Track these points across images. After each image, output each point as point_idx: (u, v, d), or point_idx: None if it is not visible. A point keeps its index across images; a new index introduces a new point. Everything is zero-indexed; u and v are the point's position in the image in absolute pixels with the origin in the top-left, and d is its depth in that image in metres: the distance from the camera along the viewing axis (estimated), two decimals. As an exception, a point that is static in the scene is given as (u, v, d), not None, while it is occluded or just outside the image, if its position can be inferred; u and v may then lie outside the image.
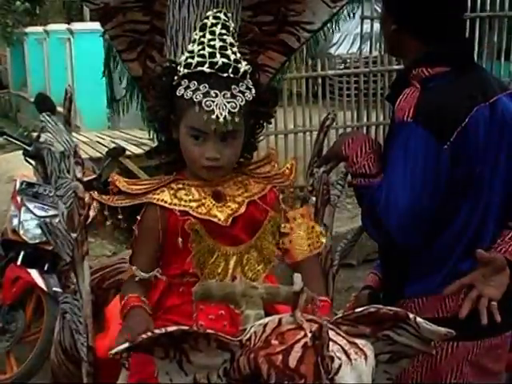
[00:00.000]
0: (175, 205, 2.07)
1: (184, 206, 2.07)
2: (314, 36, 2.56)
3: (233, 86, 2.01)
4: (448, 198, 2.19)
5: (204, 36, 2.06)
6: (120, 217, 2.12)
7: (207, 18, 2.10)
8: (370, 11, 8.72)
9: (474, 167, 2.20)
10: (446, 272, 2.26)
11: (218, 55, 2.02)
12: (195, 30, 2.15)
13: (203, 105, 1.96)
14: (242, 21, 2.43)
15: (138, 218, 2.12)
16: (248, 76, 2.06)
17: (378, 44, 9.32)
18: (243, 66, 2.05)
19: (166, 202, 2.08)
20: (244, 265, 2.13)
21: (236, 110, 1.99)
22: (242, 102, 2.01)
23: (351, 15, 2.68)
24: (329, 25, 2.58)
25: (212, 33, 2.06)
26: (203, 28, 2.08)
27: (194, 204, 2.08)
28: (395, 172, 2.18)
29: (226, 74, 2.01)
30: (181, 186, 2.12)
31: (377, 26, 9.26)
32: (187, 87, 2.00)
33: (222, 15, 2.10)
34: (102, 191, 4.83)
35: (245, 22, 2.44)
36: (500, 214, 2.29)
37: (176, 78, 2.05)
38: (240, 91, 2.02)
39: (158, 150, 2.23)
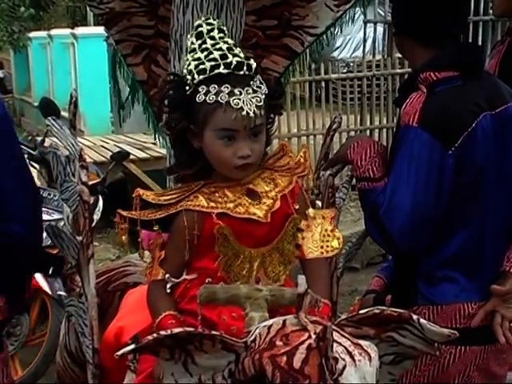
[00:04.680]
0: (212, 208, 2.07)
1: (222, 207, 2.07)
2: (318, 40, 2.56)
3: (251, 82, 2.03)
4: (454, 203, 2.19)
5: (205, 42, 2.08)
6: (156, 228, 2.10)
7: (200, 25, 2.12)
8: (372, 15, 8.74)
9: (481, 174, 2.20)
10: (464, 281, 2.26)
11: (229, 56, 2.04)
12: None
13: (231, 104, 1.97)
14: (245, 25, 2.44)
15: (173, 225, 2.10)
16: (258, 75, 2.08)
17: (381, 48, 9.34)
18: (254, 63, 2.07)
19: (203, 206, 2.07)
20: (267, 266, 2.13)
21: (261, 103, 2.02)
22: (262, 95, 2.03)
23: (354, 19, 2.68)
24: (332, 29, 2.59)
25: (212, 38, 2.08)
26: (200, 36, 2.10)
27: (231, 205, 2.08)
28: (399, 176, 2.18)
29: (242, 72, 2.03)
30: (213, 189, 2.11)
31: (380, 29, 9.31)
32: (207, 92, 2.00)
33: (213, 21, 2.13)
34: (105, 195, 4.86)
35: (249, 27, 2.45)
36: (507, 225, 2.31)
37: (188, 87, 2.05)
38: (257, 86, 2.04)
39: (179, 164, 2.19)
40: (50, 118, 2.62)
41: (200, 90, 2.01)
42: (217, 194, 2.10)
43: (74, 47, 13.03)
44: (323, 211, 2.28)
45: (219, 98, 1.98)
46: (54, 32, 15.30)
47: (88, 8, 13.18)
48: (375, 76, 8.19)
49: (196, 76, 2.03)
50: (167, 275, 2.10)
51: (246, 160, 2.04)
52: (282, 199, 2.13)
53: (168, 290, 2.11)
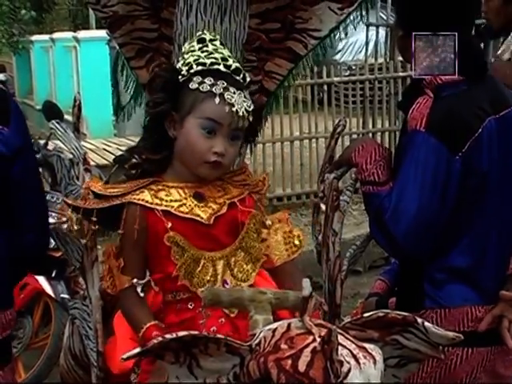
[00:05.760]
0: (156, 204, 2.08)
1: (165, 205, 2.08)
2: (321, 43, 2.56)
3: (244, 90, 2.09)
4: (459, 207, 2.20)
5: (206, 46, 2.12)
6: (94, 219, 2.12)
7: (203, 34, 2.18)
8: (375, 18, 8.76)
9: (486, 178, 2.21)
10: (471, 284, 2.26)
11: (229, 60, 2.11)
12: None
13: (225, 97, 2.02)
14: (249, 28, 2.44)
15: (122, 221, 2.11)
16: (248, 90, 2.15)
17: (383, 51, 9.36)
18: (248, 77, 2.15)
19: (147, 201, 2.08)
20: (232, 267, 2.13)
21: (250, 109, 2.08)
22: (250, 105, 2.09)
23: (357, 22, 2.68)
24: (335, 32, 2.58)
25: (214, 45, 2.13)
26: (202, 41, 2.14)
27: (175, 204, 2.09)
28: (406, 181, 2.18)
29: (238, 78, 2.09)
30: (161, 187, 2.12)
31: (382, 33, 9.33)
32: (202, 82, 2.04)
33: (215, 35, 2.20)
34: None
35: (252, 30, 2.45)
36: None
37: (181, 76, 2.09)
38: (248, 97, 2.10)
39: (146, 146, 2.19)
40: (53, 121, 2.62)
41: (195, 79, 2.06)
42: (163, 192, 2.11)
43: (77, 50, 13.05)
44: (277, 215, 2.30)
45: (213, 89, 2.03)
46: (56, 35, 15.33)
47: (90, 11, 13.21)
48: (377, 79, 8.20)
49: (194, 66, 2.07)
50: (134, 280, 2.10)
51: (219, 158, 2.07)
52: (230, 207, 2.13)
53: (141, 294, 2.11)
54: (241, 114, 2.04)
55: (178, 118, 2.09)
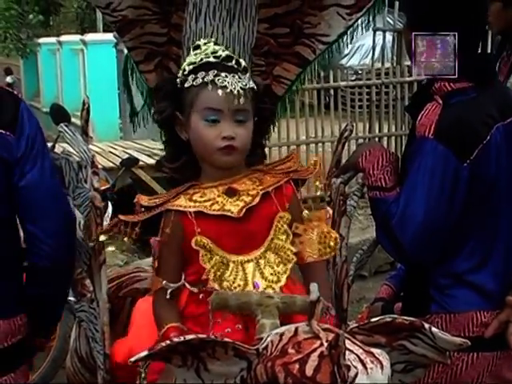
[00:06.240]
0: (189, 207, 2.10)
1: (198, 206, 2.10)
2: (329, 48, 2.56)
3: (239, 73, 2.12)
4: (466, 215, 2.20)
5: (200, 49, 2.18)
6: (137, 229, 2.14)
7: (198, 41, 2.23)
8: (382, 23, 8.75)
9: (494, 185, 2.21)
10: (477, 289, 2.26)
11: (220, 51, 2.15)
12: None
13: (216, 82, 2.06)
14: (258, 33, 2.45)
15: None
16: (248, 74, 2.17)
17: (389, 55, 9.36)
18: (244, 63, 2.18)
19: (181, 206, 2.11)
20: (263, 269, 2.12)
21: (247, 87, 2.10)
22: (249, 83, 2.12)
23: (364, 27, 2.68)
24: (343, 37, 2.58)
25: (207, 46, 2.18)
26: (196, 47, 2.20)
27: (207, 204, 2.11)
28: (413, 187, 2.19)
29: (230, 64, 2.12)
30: (197, 190, 2.15)
31: (389, 37, 9.33)
32: (195, 78, 2.10)
33: (210, 40, 2.24)
34: (114, 201, 4.86)
35: (261, 34, 2.45)
36: None
37: (178, 83, 2.15)
38: (245, 77, 2.13)
39: (166, 157, 2.27)
40: (62, 124, 2.63)
41: (189, 78, 2.11)
42: (198, 195, 2.13)
43: (84, 53, 13.10)
44: (318, 212, 2.28)
45: (205, 79, 2.07)
46: (63, 38, 15.38)
47: (97, 14, 13.26)
48: (384, 84, 8.19)
49: (186, 68, 2.13)
50: (164, 282, 2.12)
51: (229, 142, 2.08)
52: (264, 197, 2.13)
53: (168, 296, 2.12)
54: (236, 92, 2.06)
55: (184, 120, 2.14)
